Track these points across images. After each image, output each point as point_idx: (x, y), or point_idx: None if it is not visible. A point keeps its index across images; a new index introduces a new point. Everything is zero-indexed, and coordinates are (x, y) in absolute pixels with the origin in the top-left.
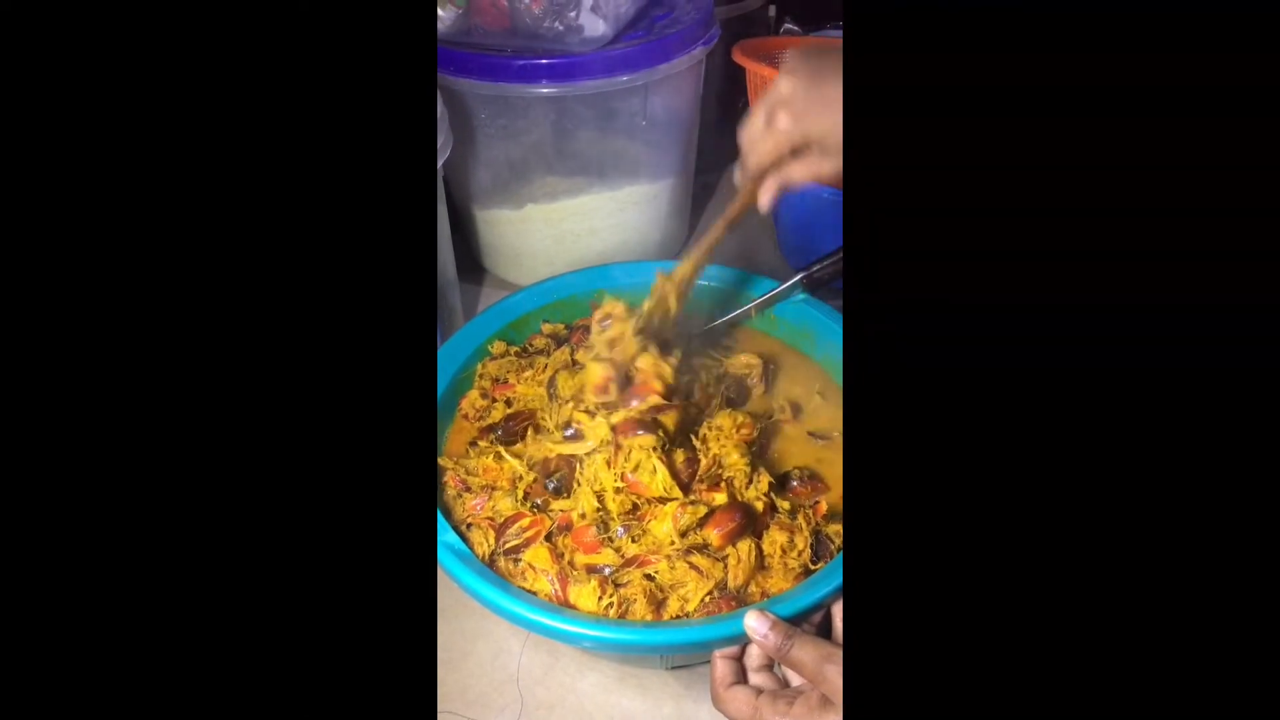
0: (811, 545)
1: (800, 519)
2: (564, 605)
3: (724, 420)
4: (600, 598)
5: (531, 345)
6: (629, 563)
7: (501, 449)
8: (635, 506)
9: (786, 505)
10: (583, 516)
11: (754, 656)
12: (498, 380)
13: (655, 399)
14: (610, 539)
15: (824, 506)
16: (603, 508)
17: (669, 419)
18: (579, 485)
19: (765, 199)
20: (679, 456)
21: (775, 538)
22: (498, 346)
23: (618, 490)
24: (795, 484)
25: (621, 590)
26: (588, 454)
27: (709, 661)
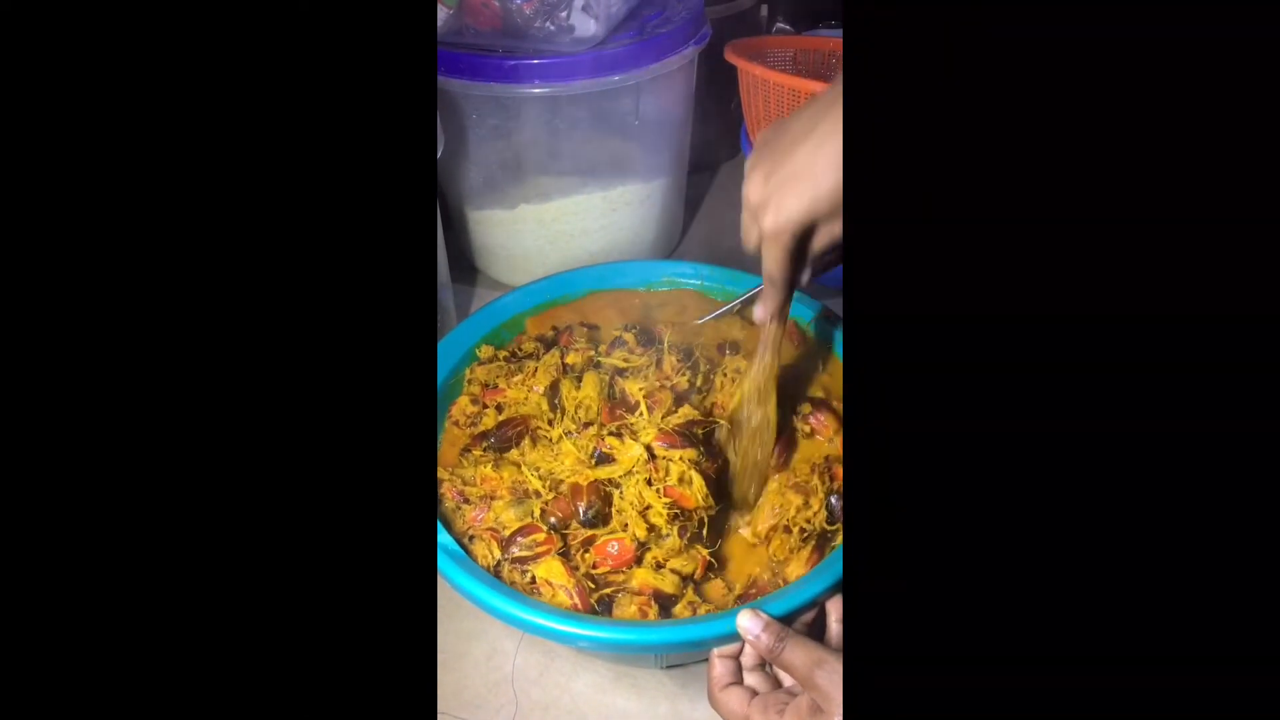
0: (826, 509)
1: (815, 481)
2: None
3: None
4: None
5: (520, 349)
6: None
7: (520, 463)
8: (680, 513)
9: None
10: (635, 539)
11: (748, 655)
12: (487, 386)
13: (690, 411)
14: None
15: (840, 474)
16: (651, 525)
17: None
18: (620, 512)
19: (805, 279)
20: (708, 465)
21: (791, 499)
22: (485, 351)
23: (668, 507)
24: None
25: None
26: (624, 476)
27: (704, 660)
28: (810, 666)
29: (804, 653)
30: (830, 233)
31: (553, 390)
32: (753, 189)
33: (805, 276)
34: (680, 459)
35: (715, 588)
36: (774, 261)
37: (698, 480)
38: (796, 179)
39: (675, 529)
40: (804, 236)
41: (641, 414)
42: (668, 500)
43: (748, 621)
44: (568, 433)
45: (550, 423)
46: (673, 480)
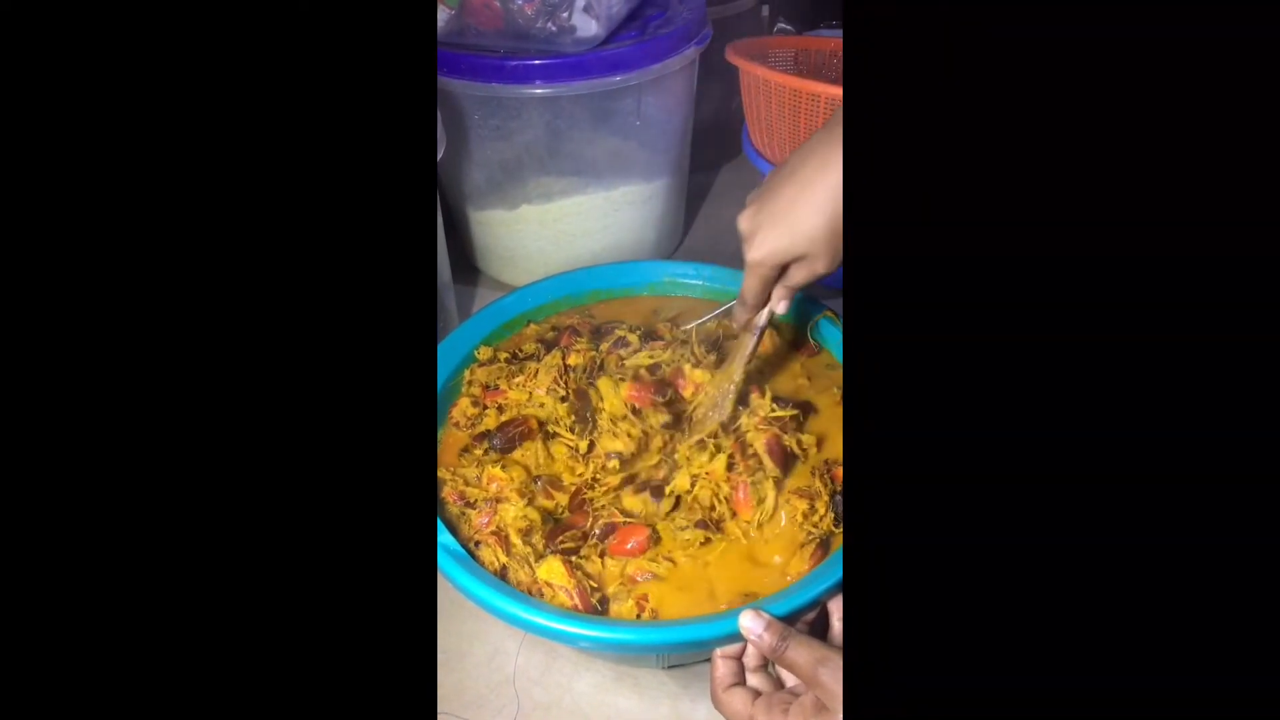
0: (832, 510)
1: (818, 483)
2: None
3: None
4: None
5: (521, 350)
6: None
7: (528, 465)
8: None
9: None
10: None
11: (751, 656)
12: (488, 387)
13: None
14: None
15: (840, 472)
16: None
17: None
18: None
19: (781, 307)
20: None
21: (796, 505)
22: (484, 352)
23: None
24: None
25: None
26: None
27: (706, 660)
28: (814, 665)
29: (807, 651)
30: (809, 270)
31: (580, 398)
32: (744, 219)
33: (781, 305)
34: (771, 476)
35: (704, 579)
36: (748, 287)
37: (770, 501)
38: (779, 218)
39: (702, 534)
40: (781, 269)
41: (753, 413)
42: (729, 493)
43: (750, 621)
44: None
45: (571, 429)
46: (751, 477)
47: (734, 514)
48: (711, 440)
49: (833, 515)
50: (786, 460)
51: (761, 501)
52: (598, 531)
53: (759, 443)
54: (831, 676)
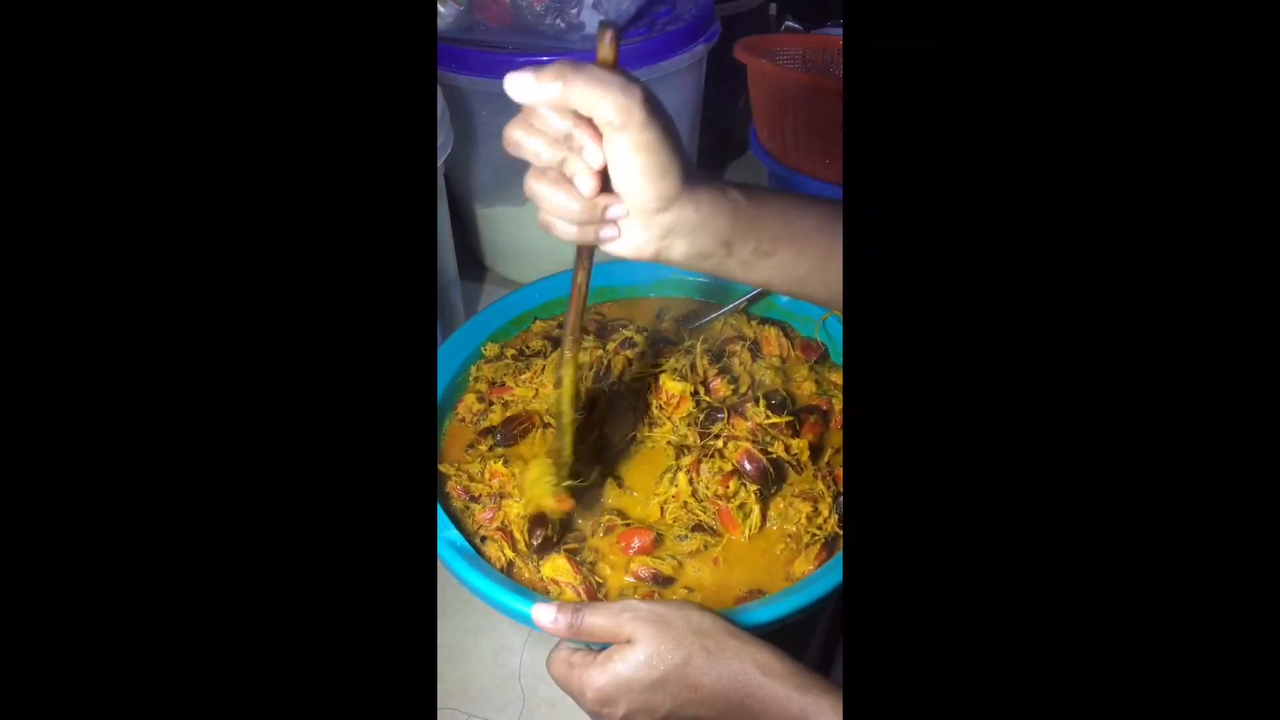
0: (836, 511)
1: (821, 485)
2: None
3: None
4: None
5: (528, 347)
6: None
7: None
8: (710, 528)
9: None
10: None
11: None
12: (494, 384)
13: (796, 443)
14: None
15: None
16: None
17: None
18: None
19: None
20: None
21: (800, 508)
22: (491, 349)
23: (692, 525)
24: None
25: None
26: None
27: None
28: (616, 615)
29: (603, 607)
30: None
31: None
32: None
33: None
34: (752, 490)
35: (711, 577)
36: None
37: (755, 516)
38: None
39: (701, 539)
40: None
41: (748, 419)
42: (713, 508)
43: (540, 613)
44: None
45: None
46: (728, 494)
47: (723, 532)
48: (674, 463)
49: (836, 516)
50: (770, 471)
51: (747, 517)
52: (600, 532)
53: (735, 457)
54: (634, 618)
